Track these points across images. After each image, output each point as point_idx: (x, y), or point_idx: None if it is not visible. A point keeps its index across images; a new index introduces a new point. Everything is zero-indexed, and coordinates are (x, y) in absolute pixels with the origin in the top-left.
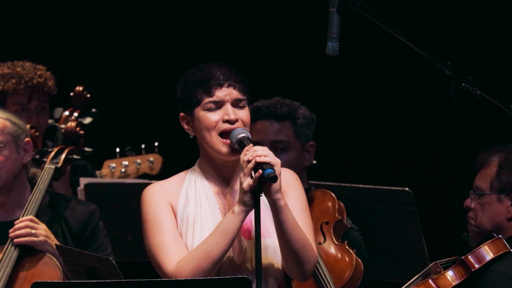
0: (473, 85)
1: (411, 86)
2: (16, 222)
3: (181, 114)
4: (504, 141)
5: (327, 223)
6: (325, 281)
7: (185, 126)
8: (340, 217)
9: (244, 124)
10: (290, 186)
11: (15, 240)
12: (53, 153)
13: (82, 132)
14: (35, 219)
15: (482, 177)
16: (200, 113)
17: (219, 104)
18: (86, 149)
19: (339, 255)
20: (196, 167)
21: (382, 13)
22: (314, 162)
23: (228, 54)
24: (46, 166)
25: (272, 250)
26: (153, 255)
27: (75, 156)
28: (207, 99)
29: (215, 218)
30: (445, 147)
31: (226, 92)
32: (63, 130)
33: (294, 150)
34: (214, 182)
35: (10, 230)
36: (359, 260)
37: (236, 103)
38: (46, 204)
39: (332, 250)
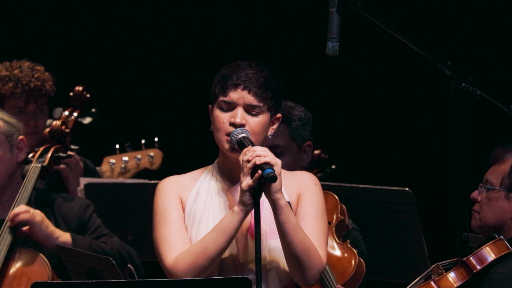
0: (473, 85)
1: (411, 86)
2: (12, 211)
3: (209, 106)
4: (504, 141)
5: (329, 223)
6: (328, 281)
7: (211, 119)
8: (342, 218)
9: (253, 132)
10: (307, 190)
11: (16, 218)
12: (39, 152)
13: (67, 130)
14: (28, 207)
15: (494, 172)
16: (215, 110)
17: (231, 106)
18: (72, 146)
19: (341, 253)
20: (214, 165)
21: (382, 13)
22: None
23: (228, 54)
24: (32, 165)
25: (278, 251)
26: (156, 246)
27: (61, 154)
28: (221, 98)
29: (223, 215)
30: (445, 147)
31: (239, 95)
32: (48, 129)
33: (291, 153)
34: (228, 180)
35: (10, 217)
36: (361, 260)
37: (249, 109)
38: (41, 202)
39: (334, 248)
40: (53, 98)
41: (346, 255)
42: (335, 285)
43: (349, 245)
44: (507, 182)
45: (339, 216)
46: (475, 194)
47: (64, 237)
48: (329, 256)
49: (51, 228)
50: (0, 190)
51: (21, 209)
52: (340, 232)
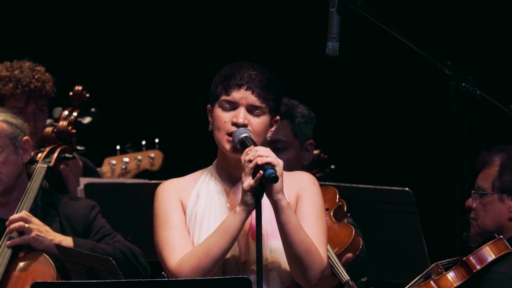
0: (473, 85)
1: (411, 86)
2: (10, 218)
3: (208, 106)
4: (504, 141)
5: (327, 209)
6: (337, 268)
7: (209, 119)
8: (340, 203)
9: (255, 133)
10: (306, 190)
11: (7, 243)
12: (45, 152)
13: (74, 131)
14: (28, 214)
15: (484, 177)
16: (216, 109)
17: (233, 105)
18: (79, 147)
19: (338, 228)
20: (212, 166)
21: (382, 13)
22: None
23: (228, 54)
24: (38, 165)
25: (279, 252)
26: (159, 249)
27: (67, 155)
28: (224, 97)
29: (223, 217)
30: (445, 147)
31: (242, 95)
32: (55, 129)
33: (292, 149)
34: (227, 181)
35: (7, 223)
36: (359, 237)
37: (251, 109)
38: (47, 204)
39: (330, 226)
40: (52, 97)
41: (342, 230)
42: (335, 258)
43: (346, 222)
44: (498, 184)
45: (337, 202)
46: (469, 202)
47: (66, 242)
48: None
49: (50, 236)
50: (7, 192)
51: (15, 225)
52: (339, 217)
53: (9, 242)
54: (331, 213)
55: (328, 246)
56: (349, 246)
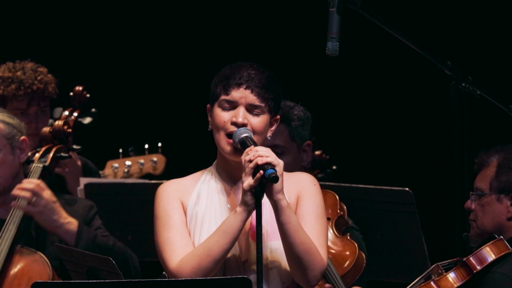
0: (473, 85)
1: (411, 86)
2: (24, 180)
3: (207, 105)
4: (504, 141)
5: (328, 218)
6: (331, 273)
7: (209, 118)
8: (341, 213)
9: (255, 132)
10: (307, 191)
11: (14, 204)
12: (41, 152)
13: (70, 130)
14: (42, 185)
15: (482, 178)
16: (216, 109)
17: (233, 105)
18: (75, 146)
19: (341, 245)
20: (212, 167)
21: (382, 13)
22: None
23: (229, 55)
24: (34, 164)
25: (280, 252)
26: (159, 250)
27: (63, 154)
28: (223, 97)
29: (224, 217)
30: (445, 147)
31: (242, 94)
32: (51, 129)
33: (291, 153)
34: (227, 182)
35: (18, 187)
36: (362, 253)
37: (251, 109)
38: None
39: (334, 241)
40: (53, 99)
41: (345, 248)
42: (338, 277)
43: (348, 238)
44: (495, 184)
45: (339, 212)
46: (468, 203)
47: (69, 225)
48: (329, 248)
49: (55, 216)
50: (4, 192)
51: (26, 194)
52: (340, 227)
53: (17, 205)
54: (333, 225)
55: (331, 264)
56: (353, 266)
